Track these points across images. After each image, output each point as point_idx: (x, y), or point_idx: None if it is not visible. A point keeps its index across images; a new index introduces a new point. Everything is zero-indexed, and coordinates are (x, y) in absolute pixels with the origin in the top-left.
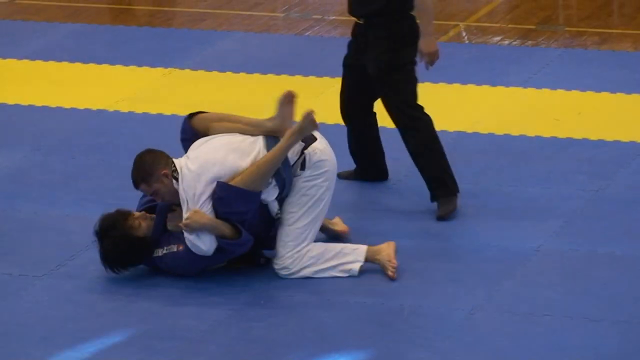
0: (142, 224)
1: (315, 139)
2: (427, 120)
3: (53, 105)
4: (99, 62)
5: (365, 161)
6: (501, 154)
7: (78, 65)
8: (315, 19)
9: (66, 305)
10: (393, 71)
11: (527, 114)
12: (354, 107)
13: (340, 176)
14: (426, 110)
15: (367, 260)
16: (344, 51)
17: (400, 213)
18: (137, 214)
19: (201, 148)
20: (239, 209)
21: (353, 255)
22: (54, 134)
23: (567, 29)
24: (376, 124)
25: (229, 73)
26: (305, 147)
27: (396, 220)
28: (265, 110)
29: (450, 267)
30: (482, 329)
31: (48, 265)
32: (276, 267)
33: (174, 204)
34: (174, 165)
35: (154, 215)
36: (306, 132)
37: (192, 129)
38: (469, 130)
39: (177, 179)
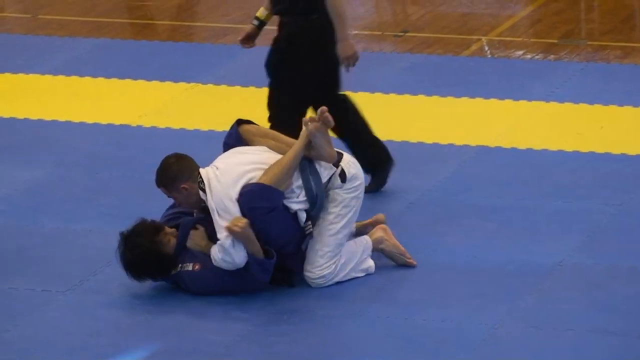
0: (172, 241)
1: (342, 155)
2: None
3: (76, 120)
4: (122, 77)
5: (355, 151)
6: (524, 168)
7: (101, 80)
8: None
9: (89, 320)
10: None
11: (550, 127)
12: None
13: None
14: (448, 124)
15: (373, 251)
16: (364, 66)
17: (421, 227)
18: (169, 230)
19: (232, 161)
20: (262, 205)
21: (366, 252)
22: (77, 148)
23: (589, 43)
24: (346, 109)
25: (251, 87)
26: (338, 160)
27: (418, 234)
28: None
29: (473, 282)
30: (506, 343)
31: (71, 281)
32: (312, 275)
33: (197, 223)
34: (201, 177)
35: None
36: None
37: (238, 136)
38: (492, 145)
39: (203, 190)
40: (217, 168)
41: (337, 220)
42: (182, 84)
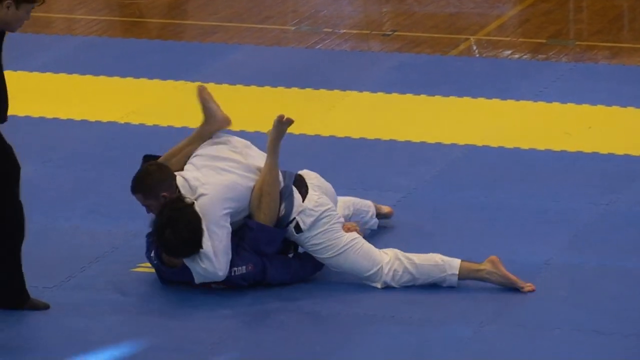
0: None
1: (306, 190)
2: None
3: (63, 118)
4: (110, 75)
5: None
6: (511, 167)
7: (89, 77)
8: (326, 32)
9: (75, 317)
10: None
11: (538, 127)
12: None
13: None
14: (435, 124)
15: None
16: (355, 64)
17: (408, 226)
18: None
19: (209, 171)
20: (268, 250)
21: (444, 273)
22: (65, 146)
23: (577, 43)
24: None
25: (239, 86)
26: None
27: (405, 233)
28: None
29: (460, 281)
30: (492, 342)
31: (58, 277)
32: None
33: None
34: (179, 191)
35: None
36: (282, 134)
37: None
38: (480, 144)
39: None
40: (196, 179)
41: (333, 252)
42: (170, 82)
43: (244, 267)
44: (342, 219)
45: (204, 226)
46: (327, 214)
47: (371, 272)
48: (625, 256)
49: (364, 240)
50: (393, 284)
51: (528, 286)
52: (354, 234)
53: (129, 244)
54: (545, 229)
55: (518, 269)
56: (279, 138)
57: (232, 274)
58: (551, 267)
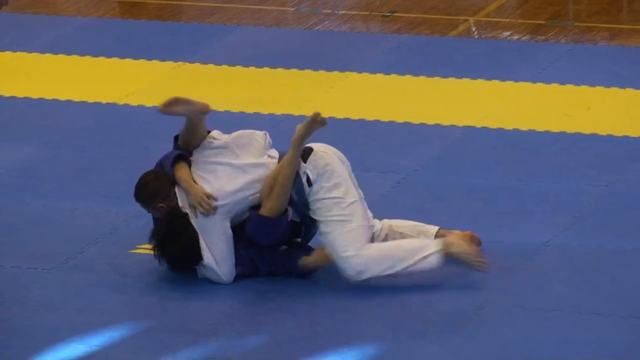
0: None
1: (310, 150)
2: None
3: (63, 99)
4: (109, 56)
5: None
6: (510, 148)
7: (88, 58)
8: (325, 14)
9: (75, 298)
10: None
11: (536, 109)
12: None
13: None
14: (435, 105)
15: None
16: (354, 45)
17: (408, 207)
18: None
19: (210, 177)
20: (267, 241)
21: (424, 253)
22: (64, 127)
23: (576, 24)
24: None
25: (238, 67)
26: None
27: (405, 214)
28: (274, 103)
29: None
30: (492, 323)
31: (57, 259)
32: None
33: None
34: (177, 198)
35: None
36: (311, 133)
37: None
38: (478, 125)
39: None
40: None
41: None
42: (169, 63)
43: (237, 268)
44: (348, 180)
45: (201, 238)
46: (329, 168)
47: (347, 253)
48: (624, 237)
49: (361, 219)
50: (366, 273)
51: (484, 266)
52: (359, 206)
53: (129, 225)
54: (544, 210)
55: (517, 250)
56: (306, 136)
57: None
58: (550, 248)
